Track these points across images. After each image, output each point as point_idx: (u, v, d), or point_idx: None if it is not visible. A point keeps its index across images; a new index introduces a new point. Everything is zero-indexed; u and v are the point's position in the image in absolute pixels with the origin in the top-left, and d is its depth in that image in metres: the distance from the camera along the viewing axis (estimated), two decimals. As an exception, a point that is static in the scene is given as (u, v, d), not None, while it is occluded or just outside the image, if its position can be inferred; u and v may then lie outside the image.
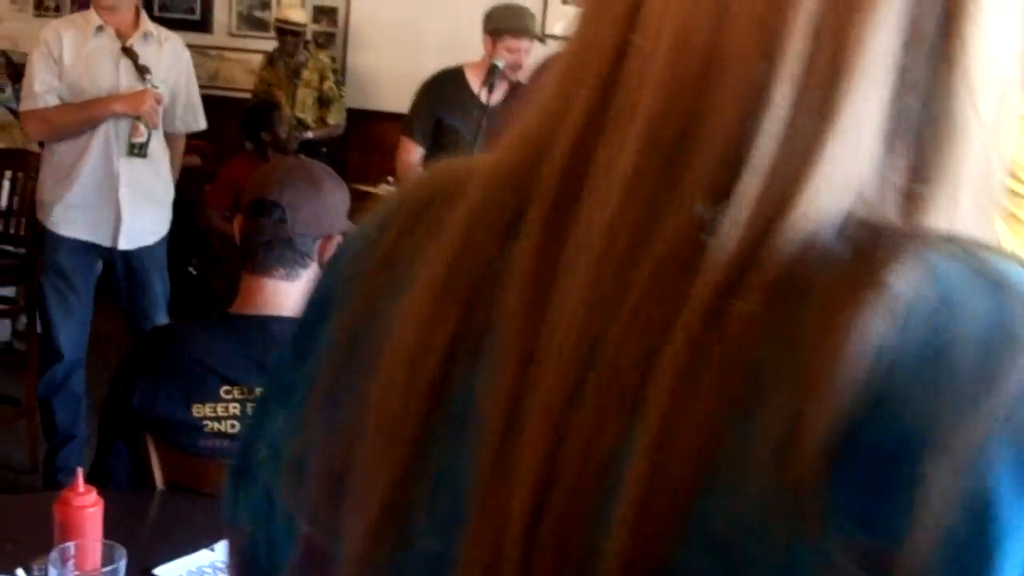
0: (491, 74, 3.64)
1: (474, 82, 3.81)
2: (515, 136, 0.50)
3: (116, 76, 3.34)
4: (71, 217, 3.35)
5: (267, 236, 1.81)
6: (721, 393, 0.40)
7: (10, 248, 4.07)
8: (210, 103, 3.62)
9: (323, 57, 5.50)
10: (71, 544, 1.37)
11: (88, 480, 1.47)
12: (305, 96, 5.35)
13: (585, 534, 0.41)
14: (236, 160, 5.04)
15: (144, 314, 3.49)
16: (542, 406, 0.43)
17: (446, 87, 3.85)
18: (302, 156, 4.50)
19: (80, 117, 3.31)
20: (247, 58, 5.87)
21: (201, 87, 3.72)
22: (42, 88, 3.28)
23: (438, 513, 0.46)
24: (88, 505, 1.43)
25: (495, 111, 3.63)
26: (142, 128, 3.30)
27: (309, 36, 5.60)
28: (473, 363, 0.46)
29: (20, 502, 2.11)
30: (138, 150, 3.33)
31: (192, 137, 3.85)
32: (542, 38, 3.88)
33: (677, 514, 0.40)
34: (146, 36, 3.41)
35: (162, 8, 6.10)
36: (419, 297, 0.48)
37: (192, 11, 6.10)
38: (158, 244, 3.55)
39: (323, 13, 5.92)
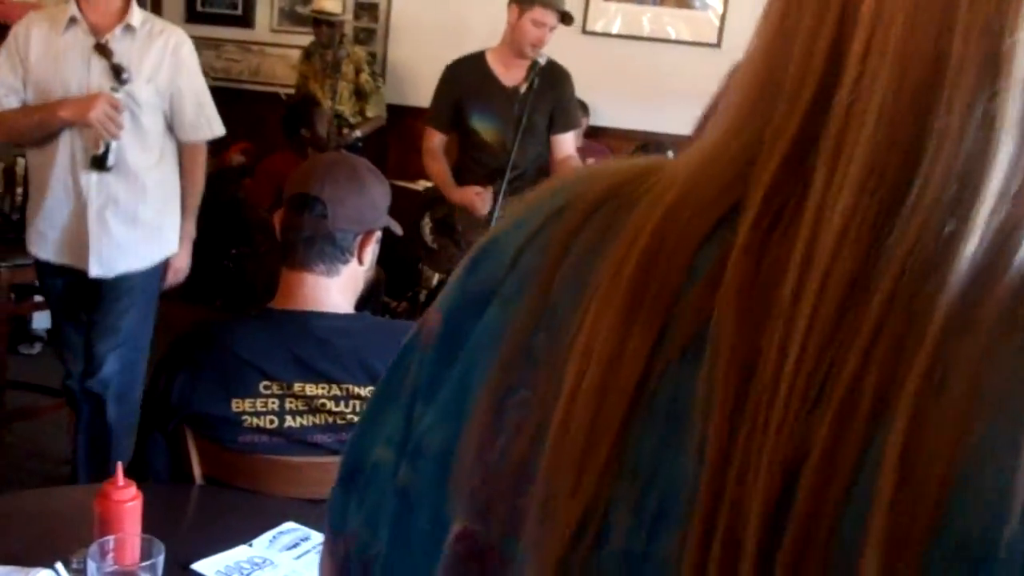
0: (532, 70, 3.62)
1: (496, 66, 3.78)
2: (713, 144, 0.51)
3: (87, 77, 2.84)
4: (45, 238, 2.95)
5: (308, 231, 1.80)
6: (969, 402, 0.41)
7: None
8: (252, 98, 3.61)
9: (358, 50, 5.52)
10: (110, 538, 1.37)
11: (127, 474, 1.47)
12: (343, 89, 5.37)
13: (831, 540, 0.42)
14: (276, 155, 5.06)
15: (98, 362, 2.97)
16: (776, 417, 0.43)
17: (467, 72, 3.82)
18: (343, 151, 4.51)
19: (30, 123, 2.85)
20: (289, 53, 5.90)
21: (243, 82, 3.61)
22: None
23: (644, 514, 0.46)
24: (128, 499, 1.44)
25: (524, 97, 3.60)
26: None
27: (349, 31, 5.61)
28: (677, 363, 0.47)
29: (60, 494, 2.11)
30: (97, 164, 2.84)
31: (236, 136, 3.61)
32: (571, 18, 3.83)
33: (929, 523, 0.40)
34: (128, 30, 2.88)
35: (204, 3, 6.15)
36: (611, 298, 0.49)
37: (234, 6, 6.14)
38: (143, 274, 3.01)
39: (364, 9, 5.93)
